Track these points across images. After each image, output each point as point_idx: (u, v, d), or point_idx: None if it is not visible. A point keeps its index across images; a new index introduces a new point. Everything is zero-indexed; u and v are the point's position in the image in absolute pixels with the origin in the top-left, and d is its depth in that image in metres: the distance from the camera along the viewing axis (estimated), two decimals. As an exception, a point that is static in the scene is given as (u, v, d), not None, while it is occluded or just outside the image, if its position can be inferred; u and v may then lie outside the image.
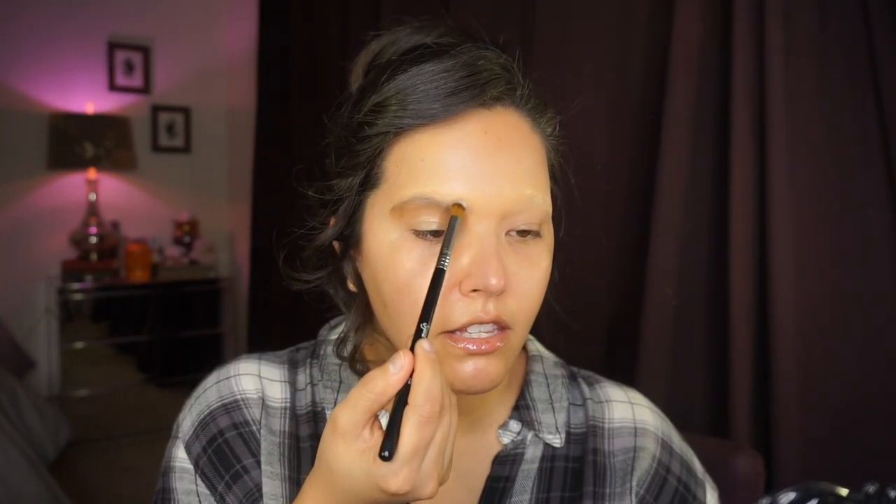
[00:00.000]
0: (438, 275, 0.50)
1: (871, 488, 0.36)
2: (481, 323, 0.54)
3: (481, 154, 0.54)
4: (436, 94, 0.54)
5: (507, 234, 0.56)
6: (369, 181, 0.57)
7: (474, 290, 0.53)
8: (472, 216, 0.54)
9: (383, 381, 0.47)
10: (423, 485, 0.47)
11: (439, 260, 0.51)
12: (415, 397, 0.47)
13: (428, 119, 0.54)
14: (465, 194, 0.53)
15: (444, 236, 0.52)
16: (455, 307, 0.54)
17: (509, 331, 0.56)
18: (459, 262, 0.54)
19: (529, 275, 0.56)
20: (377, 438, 0.47)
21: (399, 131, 0.55)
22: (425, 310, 0.50)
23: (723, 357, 1.22)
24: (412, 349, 0.48)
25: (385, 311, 0.57)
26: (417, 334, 0.49)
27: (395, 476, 0.46)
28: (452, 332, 0.54)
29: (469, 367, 0.55)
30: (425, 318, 0.49)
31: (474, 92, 0.55)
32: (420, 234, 0.54)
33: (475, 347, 0.54)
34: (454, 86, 0.54)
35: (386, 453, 0.45)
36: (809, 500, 0.36)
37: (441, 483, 0.48)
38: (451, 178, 0.53)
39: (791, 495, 0.37)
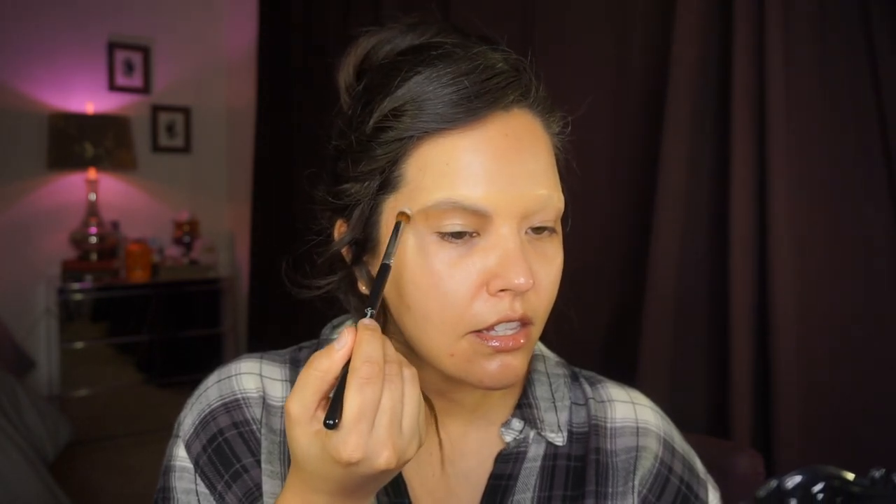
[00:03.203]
0: (384, 269, 0.53)
1: (876, 473, 0.37)
2: (509, 321, 0.55)
3: (503, 157, 0.55)
4: (458, 99, 0.55)
5: (525, 232, 0.57)
6: (388, 185, 0.57)
7: (502, 290, 0.54)
8: (496, 218, 0.55)
9: (328, 360, 0.48)
10: (376, 453, 0.46)
11: (385, 257, 0.53)
12: (353, 362, 0.47)
13: (451, 123, 0.55)
14: (488, 197, 0.54)
15: (391, 238, 0.54)
16: (483, 307, 0.55)
17: (531, 326, 0.57)
18: (485, 263, 0.55)
19: (548, 271, 0.58)
20: None
21: (421, 136, 0.55)
22: (372, 297, 0.52)
23: (723, 357, 1.22)
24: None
25: (409, 313, 0.57)
26: (362, 317, 0.51)
27: (345, 444, 0.46)
28: (479, 331, 0.55)
29: (496, 364, 0.56)
30: (371, 304, 0.52)
31: (495, 95, 0.55)
32: (444, 236, 0.55)
33: (502, 345, 0.55)
34: (476, 90, 0.55)
35: (331, 421, 0.46)
36: (815, 483, 0.36)
37: (401, 457, 0.48)
38: (476, 182, 0.54)
39: (797, 478, 0.37)
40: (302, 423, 0.48)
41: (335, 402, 0.46)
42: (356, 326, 0.49)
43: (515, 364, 0.57)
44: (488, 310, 0.55)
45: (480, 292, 0.55)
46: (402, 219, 0.55)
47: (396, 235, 0.54)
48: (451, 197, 0.54)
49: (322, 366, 0.48)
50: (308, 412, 0.48)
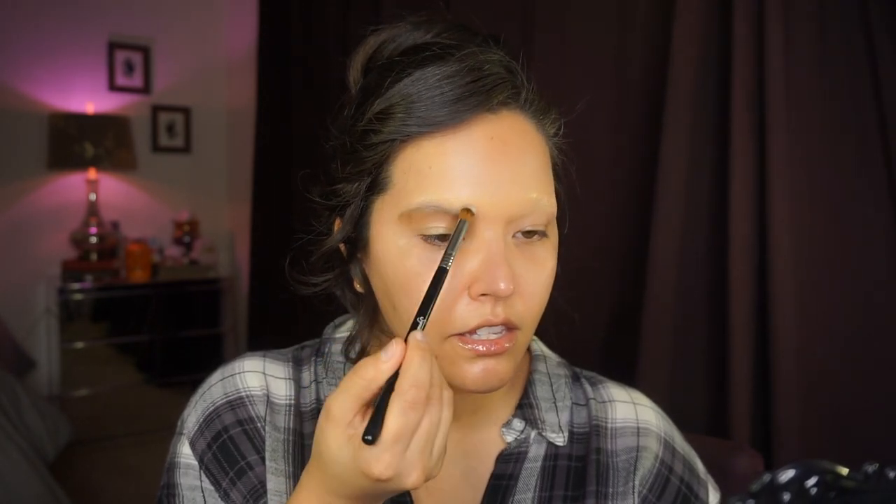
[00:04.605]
0: (441, 273, 0.52)
1: (870, 468, 0.37)
2: (491, 325, 0.55)
3: (487, 160, 0.55)
4: (442, 101, 0.55)
5: (514, 235, 0.56)
6: (376, 186, 0.58)
7: (483, 294, 0.54)
8: (480, 221, 0.54)
9: (374, 369, 0.48)
10: (406, 473, 0.47)
11: (443, 260, 0.52)
12: (401, 383, 0.47)
13: (434, 126, 0.55)
14: (472, 200, 0.54)
15: (451, 238, 0.53)
16: (465, 310, 0.55)
17: (517, 331, 0.57)
18: (468, 267, 0.55)
19: (536, 276, 0.57)
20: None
21: (405, 138, 0.55)
22: (424, 304, 0.51)
23: (723, 357, 1.22)
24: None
25: (395, 312, 0.58)
26: (413, 326, 0.50)
27: (378, 461, 0.46)
28: (462, 334, 0.55)
29: (478, 368, 0.56)
30: (422, 313, 0.51)
31: (480, 98, 0.55)
32: (428, 238, 0.55)
33: (484, 349, 0.55)
34: (460, 92, 0.55)
35: (369, 437, 0.46)
36: (809, 477, 0.37)
37: (428, 476, 0.48)
38: (458, 186, 0.54)
39: (790, 472, 0.37)
40: (340, 425, 0.48)
41: (376, 417, 0.46)
42: (406, 339, 0.49)
43: (499, 369, 0.56)
44: (469, 313, 0.55)
45: (462, 296, 0.55)
46: (466, 216, 0.53)
47: (458, 236, 0.52)
48: (433, 200, 0.54)
49: (367, 374, 0.48)
50: (347, 416, 0.48)
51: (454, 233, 0.53)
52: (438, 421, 0.48)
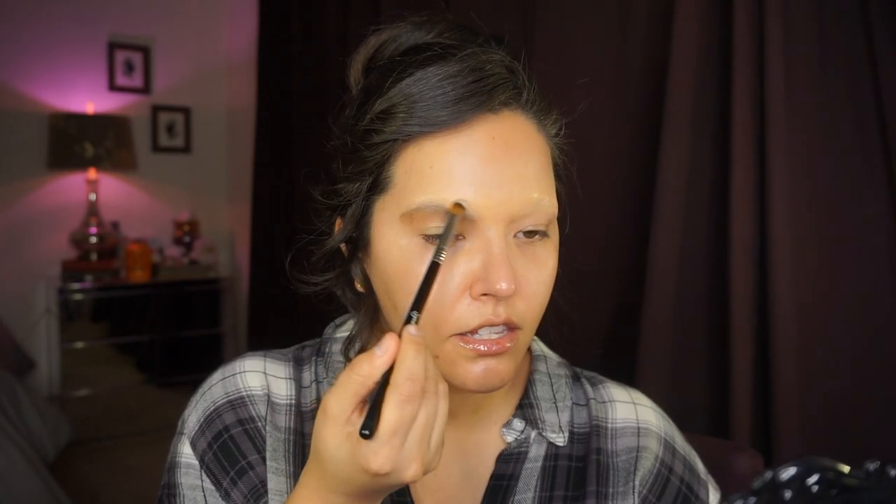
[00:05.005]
0: (433, 268, 0.52)
1: (871, 466, 0.37)
2: (492, 325, 0.55)
3: (489, 160, 0.55)
4: (443, 101, 0.55)
5: (515, 235, 0.57)
6: (377, 186, 0.58)
7: (485, 294, 0.54)
8: (482, 221, 0.54)
9: (369, 365, 0.48)
10: (404, 467, 0.47)
11: (436, 254, 0.52)
12: (396, 377, 0.47)
13: (436, 126, 0.55)
14: (473, 200, 0.54)
15: (443, 232, 0.53)
16: (466, 310, 0.55)
17: (518, 331, 0.57)
18: (470, 267, 0.55)
19: (537, 276, 0.57)
20: None
21: (407, 138, 0.56)
22: (417, 299, 0.51)
23: (723, 357, 1.22)
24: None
25: (395, 313, 0.58)
26: (407, 321, 0.50)
27: (376, 455, 0.46)
28: (463, 334, 0.55)
29: (479, 368, 0.56)
30: (416, 307, 0.50)
31: (482, 98, 0.55)
32: (429, 238, 0.55)
33: (486, 348, 0.55)
34: (462, 92, 0.55)
35: (366, 431, 0.46)
36: (810, 475, 0.37)
37: (426, 469, 0.48)
38: (459, 185, 0.54)
39: (792, 470, 0.37)
40: (338, 422, 0.48)
41: (372, 411, 0.46)
42: (399, 333, 0.49)
43: (500, 368, 0.56)
44: (471, 313, 0.55)
45: (464, 296, 0.55)
46: (456, 210, 0.53)
47: (449, 230, 0.53)
48: (434, 200, 0.54)
49: (363, 370, 0.48)
50: (344, 414, 0.48)
51: (446, 226, 0.53)
52: (435, 413, 0.48)
